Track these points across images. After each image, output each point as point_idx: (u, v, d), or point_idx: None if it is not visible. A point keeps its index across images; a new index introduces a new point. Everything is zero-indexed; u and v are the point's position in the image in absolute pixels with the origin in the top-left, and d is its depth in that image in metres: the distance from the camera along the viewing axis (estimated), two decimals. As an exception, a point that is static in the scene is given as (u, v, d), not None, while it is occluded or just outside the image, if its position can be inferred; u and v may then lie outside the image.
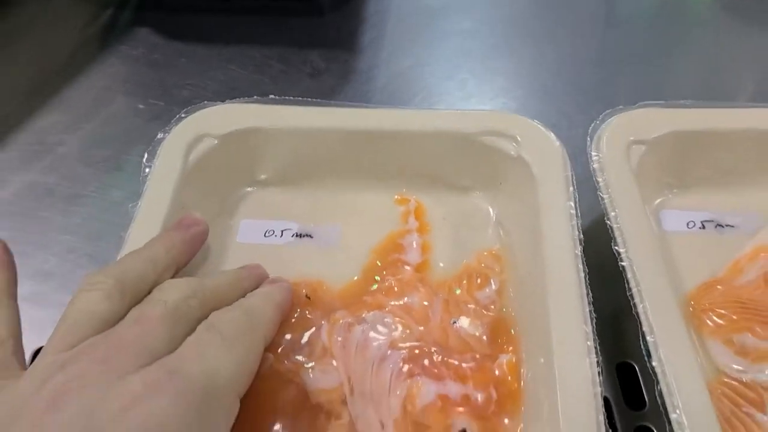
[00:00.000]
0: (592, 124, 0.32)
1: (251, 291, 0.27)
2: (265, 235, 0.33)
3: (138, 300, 0.23)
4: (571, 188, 0.29)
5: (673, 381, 0.24)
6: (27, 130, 0.40)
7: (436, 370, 0.26)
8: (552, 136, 0.31)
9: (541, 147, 0.31)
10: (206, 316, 0.23)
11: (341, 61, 0.45)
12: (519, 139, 0.31)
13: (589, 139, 0.32)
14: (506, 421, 0.25)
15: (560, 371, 0.24)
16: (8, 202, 0.37)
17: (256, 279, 0.28)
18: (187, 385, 0.19)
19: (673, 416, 0.23)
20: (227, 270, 0.29)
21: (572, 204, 0.29)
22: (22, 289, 0.33)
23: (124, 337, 0.21)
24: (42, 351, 0.21)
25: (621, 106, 0.33)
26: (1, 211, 0.37)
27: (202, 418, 0.19)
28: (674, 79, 0.46)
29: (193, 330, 0.22)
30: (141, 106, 0.42)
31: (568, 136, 0.33)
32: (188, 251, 0.28)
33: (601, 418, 0.23)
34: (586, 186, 0.31)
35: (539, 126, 0.32)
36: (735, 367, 0.28)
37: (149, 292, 0.24)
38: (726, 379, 0.27)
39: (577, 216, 0.28)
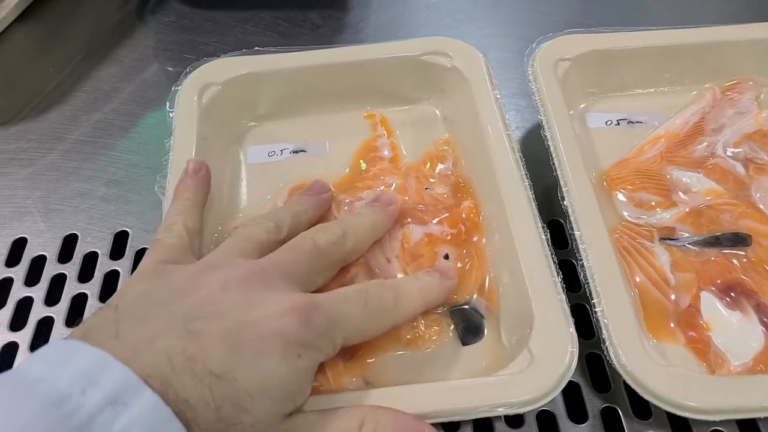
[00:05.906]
0: (528, 48, 0.42)
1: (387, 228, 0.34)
2: (269, 155, 0.42)
3: (292, 237, 0.29)
4: (494, 80, 0.40)
5: (581, 225, 0.34)
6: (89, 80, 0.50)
7: (420, 218, 0.37)
8: (473, 47, 0.42)
9: (467, 58, 0.41)
10: (345, 260, 0.30)
11: (335, 18, 0.55)
12: (451, 54, 0.42)
13: (525, 59, 0.41)
14: (475, 238, 0.36)
15: (509, 210, 0.34)
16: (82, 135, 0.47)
17: (392, 216, 0.35)
18: (314, 325, 0.24)
19: (581, 246, 0.33)
20: (366, 210, 0.34)
21: (496, 92, 0.39)
22: (98, 193, 0.42)
23: (278, 259, 0.27)
24: (215, 251, 0.28)
25: (550, 33, 0.42)
26: (79, 140, 0.46)
27: (311, 350, 0.24)
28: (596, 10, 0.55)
29: (329, 269, 0.29)
30: (172, 65, 0.52)
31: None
32: (318, 211, 0.35)
33: (544, 237, 0.32)
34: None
35: (464, 43, 0.42)
36: (634, 214, 0.38)
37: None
38: (625, 222, 0.38)
39: (500, 100, 0.39)
